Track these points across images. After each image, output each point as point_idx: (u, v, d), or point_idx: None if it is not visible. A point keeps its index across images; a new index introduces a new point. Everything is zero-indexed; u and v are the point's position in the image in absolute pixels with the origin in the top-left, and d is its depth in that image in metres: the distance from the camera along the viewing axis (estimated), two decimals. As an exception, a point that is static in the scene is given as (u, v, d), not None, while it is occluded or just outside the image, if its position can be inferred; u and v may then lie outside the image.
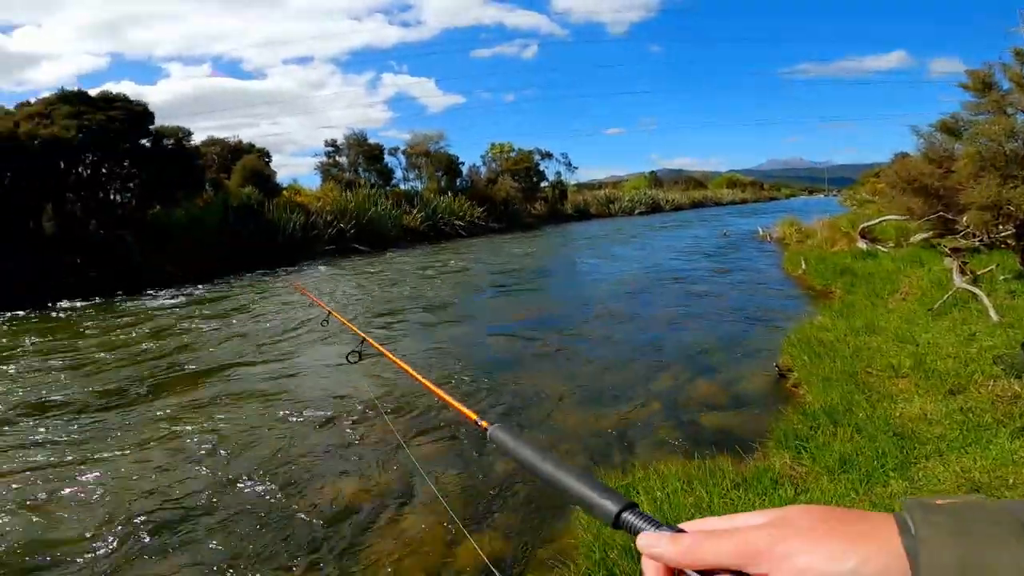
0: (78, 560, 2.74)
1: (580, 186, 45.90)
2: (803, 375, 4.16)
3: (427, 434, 3.99)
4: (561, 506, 2.91)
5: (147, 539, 2.89)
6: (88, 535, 2.93)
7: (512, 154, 34.75)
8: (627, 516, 0.41)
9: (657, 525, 0.39)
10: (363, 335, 1.22)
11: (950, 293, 5.34)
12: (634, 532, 0.39)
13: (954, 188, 7.79)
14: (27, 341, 7.83)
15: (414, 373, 0.74)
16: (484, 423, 0.56)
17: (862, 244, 10.40)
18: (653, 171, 72.17)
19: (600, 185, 57.78)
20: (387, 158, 28.76)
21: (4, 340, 8.02)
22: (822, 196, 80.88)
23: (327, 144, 27.75)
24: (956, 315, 4.89)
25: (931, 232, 9.27)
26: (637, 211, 41.11)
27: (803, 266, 9.49)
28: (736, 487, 2.71)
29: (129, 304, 11.00)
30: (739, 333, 6.19)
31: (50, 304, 11.11)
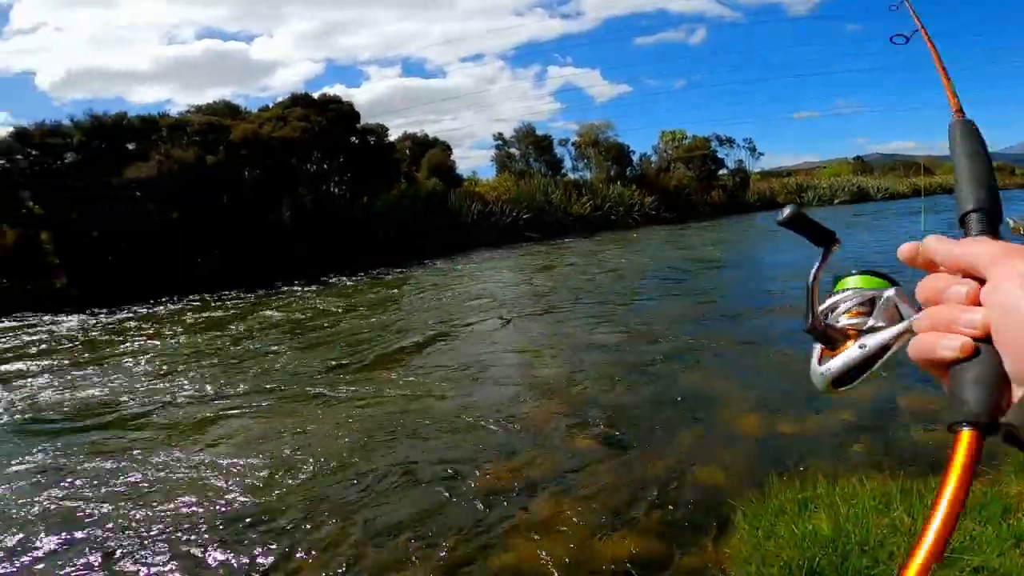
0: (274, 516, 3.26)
1: (765, 174, 41.62)
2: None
3: (592, 426, 3.97)
4: (722, 513, 2.66)
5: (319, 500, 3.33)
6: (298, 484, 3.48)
7: (685, 141, 32.82)
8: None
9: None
10: None
11: None
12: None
13: None
14: (267, 314, 9.62)
15: None
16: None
17: None
18: (859, 156, 62.34)
19: (791, 172, 51.69)
20: (556, 148, 29.27)
21: (251, 314, 9.96)
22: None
23: (495, 137, 29.16)
24: None
25: None
26: (837, 200, 35.93)
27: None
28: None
29: (350, 282, 12.86)
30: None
31: (280, 284, 13.32)
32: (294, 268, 14.09)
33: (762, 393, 4.24)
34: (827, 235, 0.44)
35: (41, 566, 2.72)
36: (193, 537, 2.86)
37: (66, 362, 6.78)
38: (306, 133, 17.33)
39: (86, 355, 7.13)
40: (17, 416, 4.97)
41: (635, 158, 31.09)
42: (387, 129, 20.45)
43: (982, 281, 0.33)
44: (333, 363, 5.78)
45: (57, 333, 8.91)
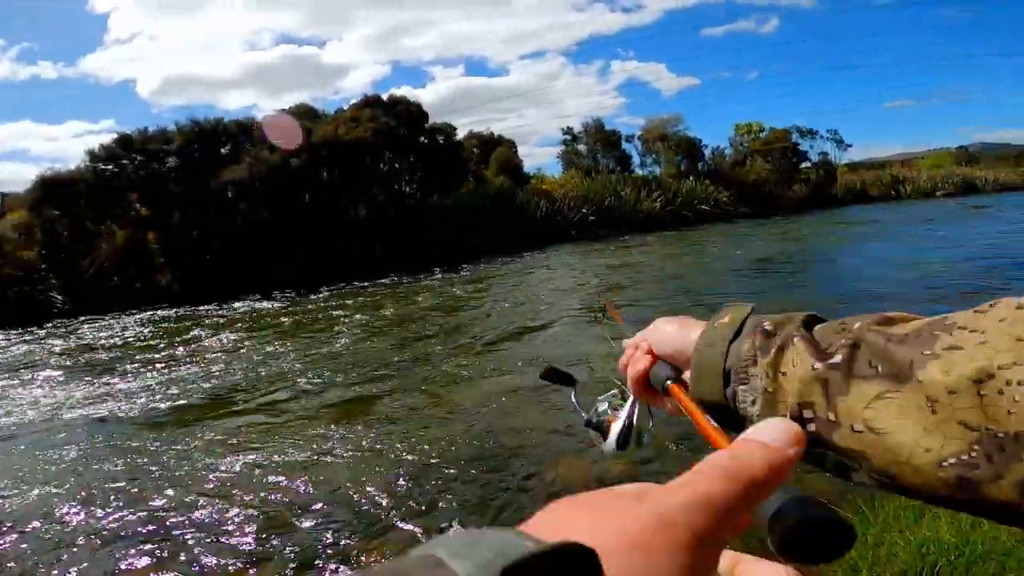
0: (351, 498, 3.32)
1: (854, 165, 38.74)
2: None
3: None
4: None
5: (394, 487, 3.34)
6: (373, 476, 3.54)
7: (763, 134, 31.12)
8: None
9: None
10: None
11: None
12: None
13: None
14: (349, 304, 10.00)
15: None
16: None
17: None
18: (962, 146, 56.75)
19: (883, 164, 47.80)
20: (624, 144, 28.61)
21: (340, 304, 10.39)
22: None
23: (564, 132, 28.84)
24: None
25: None
26: (939, 192, 32.83)
27: None
28: None
29: (425, 280, 13.19)
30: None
31: (360, 282, 13.79)
32: (372, 267, 14.61)
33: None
34: (570, 378, 0.74)
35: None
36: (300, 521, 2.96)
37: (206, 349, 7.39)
38: (378, 134, 17.90)
39: (223, 342, 7.66)
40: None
41: (707, 152, 29.89)
42: (455, 128, 20.79)
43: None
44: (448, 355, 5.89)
45: (166, 326, 9.74)
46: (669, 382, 0.50)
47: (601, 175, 24.60)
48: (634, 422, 0.61)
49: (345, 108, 19.91)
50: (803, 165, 31.54)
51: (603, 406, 0.66)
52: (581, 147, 28.68)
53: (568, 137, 28.87)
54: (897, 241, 12.89)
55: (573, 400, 0.67)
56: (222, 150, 16.57)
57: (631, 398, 0.61)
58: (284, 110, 19.38)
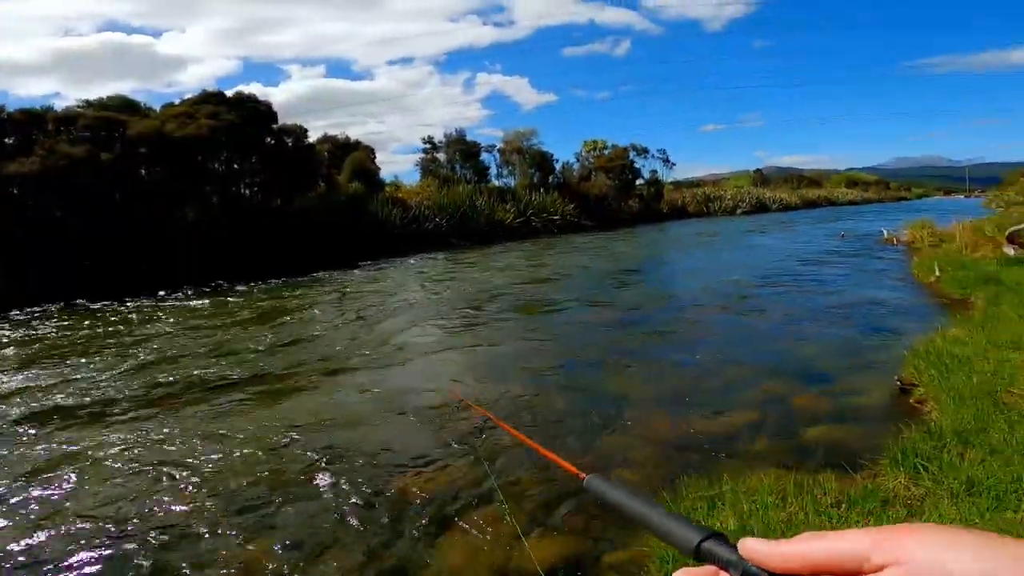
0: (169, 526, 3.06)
1: (677, 184, 44.19)
2: (930, 391, 3.70)
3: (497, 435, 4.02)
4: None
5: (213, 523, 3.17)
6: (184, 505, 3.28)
7: (606, 151, 34.17)
8: (708, 545, 0.40)
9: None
10: (490, 414, 1.37)
11: None
12: (717, 562, 0.39)
13: None
14: (139, 322, 8.91)
15: (522, 436, 0.86)
16: (582, 475, 0.60)
17: (1010, 250, 9.07)
18: (758, 169, 67.81)
19: (699, 183, 55.18)
20: (484, 155, 29.43)
21: (130, 321, 9.18)
22: (961, 196, 71.58)
23: (424, 141, 28.87)
24: None
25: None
26: (740, 211, 38.80)
27: (936, 273, 8.45)
28: (836, 505, 2.47)
29: (249, 288, 12.17)
30: (856, 342, 5.63)
31: (171, 291, 12.50)
32: (195, 274, 13.21)
33: (673, 395, 4.50)
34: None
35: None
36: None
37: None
38: (216, 132, 16.28)
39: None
40: None
41: (558, 166, 31.95)
42: (306, 130, 19.63)
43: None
44: (214, 381, 5.47)
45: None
46: None
47: (459, 185, 24.97)
48: None
49: (177, 103, 17.78)
50: (638, 182, 35.19)
51: None
52: (441, 156, 28.87)
53: (428, 146, 28.89)
54: (715, 250, 15.06)
55: None
56: (6, 140, 13.79)
57: None
58: (91, 102, 16.70)
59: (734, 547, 0.38)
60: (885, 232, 16.18)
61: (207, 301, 10.75)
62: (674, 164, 38.63)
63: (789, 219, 31.44)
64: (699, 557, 0.40)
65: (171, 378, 5.57)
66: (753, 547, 0.36)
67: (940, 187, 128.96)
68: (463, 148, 28.47)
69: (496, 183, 28.95)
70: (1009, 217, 13.64)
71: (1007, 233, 9.71)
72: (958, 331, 4.83)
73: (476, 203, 22.88)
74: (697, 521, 0.43)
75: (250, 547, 2.75)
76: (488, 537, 2.74)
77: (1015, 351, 4.12)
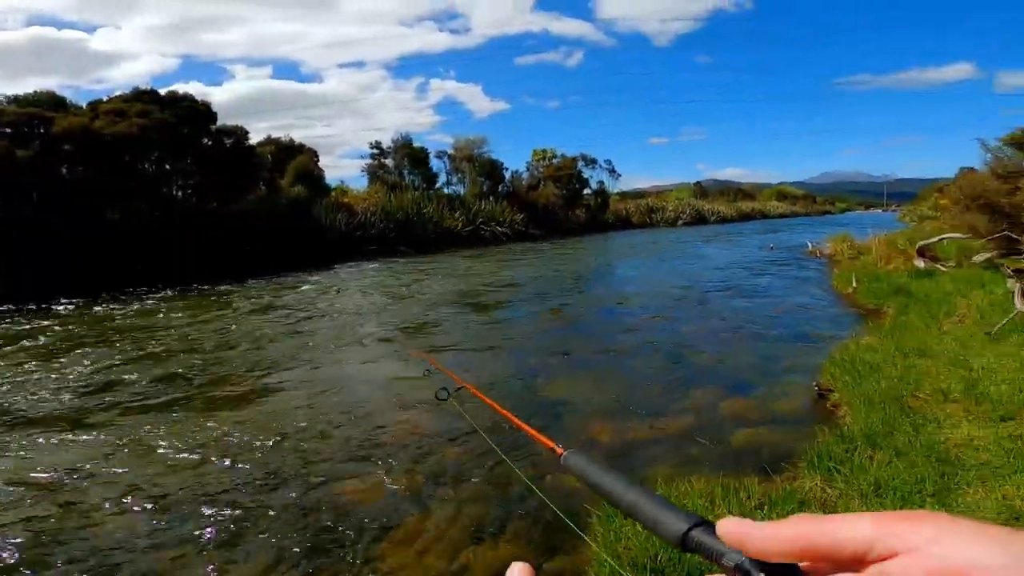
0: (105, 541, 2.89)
1: (623, 195, 45.43)
2: (844, 396, 3.99)
3: (453, 441, 4.02)
4: (583, 518, 2.87)
5: (164, 526, 3.02)
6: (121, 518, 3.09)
7: (555, 160, 34.72)
8: (696, 534, 0.36)
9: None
10: (462, 381, 1.35)
11: (1010, 316, 5.01)
12: (706, 553, 0.35)
13: (1022, 205, 7.32)
14: (68, 329, 8.34)
15: (498, 407, 0.87)
16: (559, 450, 0.56)
17: (920, 263, 9.87)
18: (698, 181, 70.81)
19: (643, 194, 57.02)
20: (432, 162, 29.26)
21: (56, 328, 8.57)
22: (879, 211, 77.38)
23: (372, 146, 28.34)
24: (1016, 339, 4.58)
25: (995, 252, 8.71)
26: (680, 222, 40.34)
27: (854, 284, 9.09)
28: (760, 507, 2.62)
29: (180, 295, 11.56)
30: (780, 350, 5.98)
31: (105, 293, 11.77)
32: (122, 280, 12.46)
33: (613, 403, 4.63)
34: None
35: None
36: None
37: None
38: (148, 131, 15.43)
39: None
40: None
41: (508, 175, 32.18)
42: (247, 132, 18.90)
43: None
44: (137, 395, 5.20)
45: None
46: None
47: (407, 191, 24.71)
48: None
49: (107, 100, 16.72)
50: (585, 191, 35.94)
51: None
52: (388, 162, 28.46)
53: (376, 151, 28.40)
54: (657, 260, 15.57)
55: None
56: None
57: None
58: (16, 98, 15.50)
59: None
60: (809, 245, 17.25)
61: (105, 308, 10.13)
62: (620, 175, 39.75)
63: (726, 231, 32.98)
64: (686, 547, 0.36)
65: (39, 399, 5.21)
66: (733, 529, 0.32)
67: (861, 201, 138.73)
68: (411, 153, 28.20)
69: (446, 191, 28.87)
70: (921, 231, 14.85)
71: (917, 247, 10.57)
72: (871, 339, 5.23)
73: (424, 210, 22.70)
74: (683, 507, 0.39)
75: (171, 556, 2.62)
76: (430, 545, 2.74)
77: (920, 357, 4.51)
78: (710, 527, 0.35)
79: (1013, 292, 5.95)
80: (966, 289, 7.12)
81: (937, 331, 5.42)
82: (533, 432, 0.68)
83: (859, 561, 0.28)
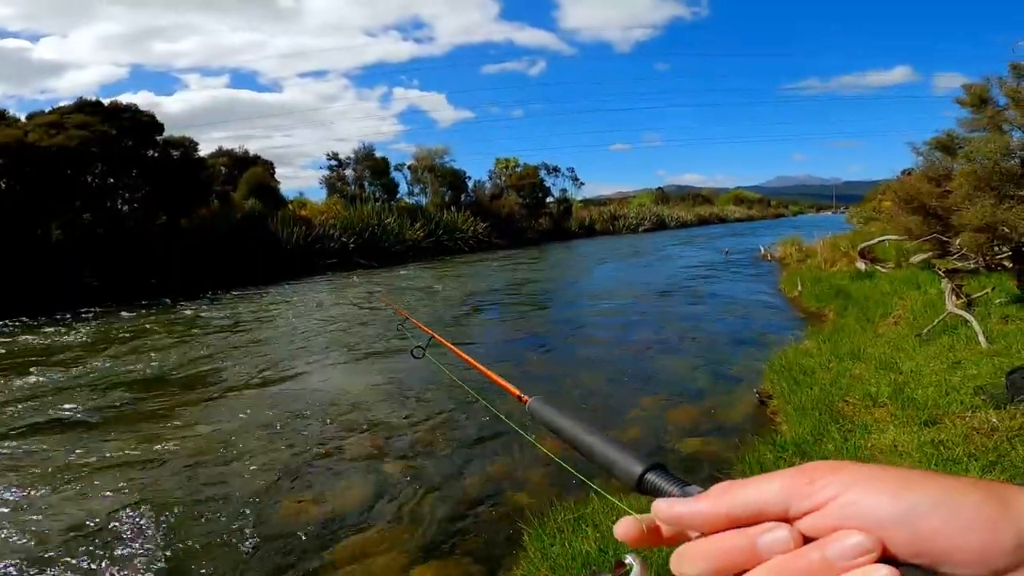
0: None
1: (586, 202, 45.94)
2: (780, 402, 4.07)
3: (400, 457, 3.92)
4: (519, 536, 2.83)
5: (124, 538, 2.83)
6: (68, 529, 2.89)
7: (518, 169, 34.89)
8: (651, 477, 0.38)
9: (683, 485, 0.36)
10: (432, 333, 1.41)
11: (941, 318, 5.22)
12: (660, 495, 0.36)
13: (951, 208, 7.67)
14: (28, 346, 7.88)
15: (468, 358, 0.92)
16: (525, 398, 0.61)
17: (861, 265, 10.25)
18: (660, 187, 72.24)
19: (606, 201, 57.79)
20: (393, 172, 28.96)
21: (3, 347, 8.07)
22: (829, 213, 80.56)
23: (329, 157, 27.77)
24: (945, 341, 4.76)
25: (930, 253, 9.12)
26: (642, 228, 41.06)
27: (799, 288, 9.37)
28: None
29: (130, 313, 11.06)
30: (728, 356, 6.08)
31: (54, 312, 11.19)
32: (62, 299, 11.85)
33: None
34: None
35: None
36: None
37: None
38: (89, 143, 14.77)
39: None
40: None
41: (471, 184, 32.14)
42: (196, 143, 18.30)
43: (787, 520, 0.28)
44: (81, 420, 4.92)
45: None
46: None
47: (367, 203, 24.35)
48: None
49: (47, 111, 15.97)
50: (548, 200, 36.19)
51: None
52: (348, 172, 27.99)
53: (334, 162, 27.86)
54: (615, 269, 15.74)
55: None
56: None
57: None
58: None
59: (683, 481, 0.36)
60: (762, 249, 17.78)
61: (50, 329, 9.61)
62: (583, 183, 40.22)
63: (687, 235, 33.71)
64: (642, 489, 0.38)
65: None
66: (665, 510, 0.32)
67: (813, 204, 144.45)
68: (371, 164, 27.85)
69: (407, 201, 28.61)
70: (865, 233, 15.46)
71: (859, 249, 10.99)
72: (809, 343, 5.37)
73: (385, 221, 22.41)
74: (639, 451, 0.41)
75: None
76: (378, 563, 2.65)
77: (854, 361, 4.64)
78: (665, 471, 0.38)
79: (945, 292, 6.23)
80: (903, 290, 7.41)
81: (872, 334, 5.61)
82: (500, 380, 0.73)
83: (788, 519, 0.28)
